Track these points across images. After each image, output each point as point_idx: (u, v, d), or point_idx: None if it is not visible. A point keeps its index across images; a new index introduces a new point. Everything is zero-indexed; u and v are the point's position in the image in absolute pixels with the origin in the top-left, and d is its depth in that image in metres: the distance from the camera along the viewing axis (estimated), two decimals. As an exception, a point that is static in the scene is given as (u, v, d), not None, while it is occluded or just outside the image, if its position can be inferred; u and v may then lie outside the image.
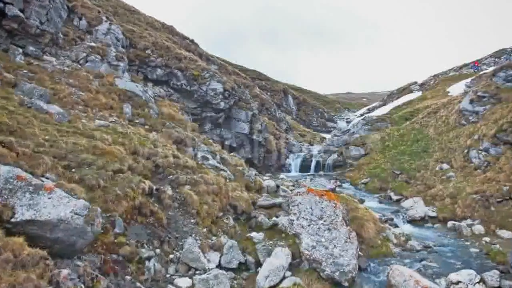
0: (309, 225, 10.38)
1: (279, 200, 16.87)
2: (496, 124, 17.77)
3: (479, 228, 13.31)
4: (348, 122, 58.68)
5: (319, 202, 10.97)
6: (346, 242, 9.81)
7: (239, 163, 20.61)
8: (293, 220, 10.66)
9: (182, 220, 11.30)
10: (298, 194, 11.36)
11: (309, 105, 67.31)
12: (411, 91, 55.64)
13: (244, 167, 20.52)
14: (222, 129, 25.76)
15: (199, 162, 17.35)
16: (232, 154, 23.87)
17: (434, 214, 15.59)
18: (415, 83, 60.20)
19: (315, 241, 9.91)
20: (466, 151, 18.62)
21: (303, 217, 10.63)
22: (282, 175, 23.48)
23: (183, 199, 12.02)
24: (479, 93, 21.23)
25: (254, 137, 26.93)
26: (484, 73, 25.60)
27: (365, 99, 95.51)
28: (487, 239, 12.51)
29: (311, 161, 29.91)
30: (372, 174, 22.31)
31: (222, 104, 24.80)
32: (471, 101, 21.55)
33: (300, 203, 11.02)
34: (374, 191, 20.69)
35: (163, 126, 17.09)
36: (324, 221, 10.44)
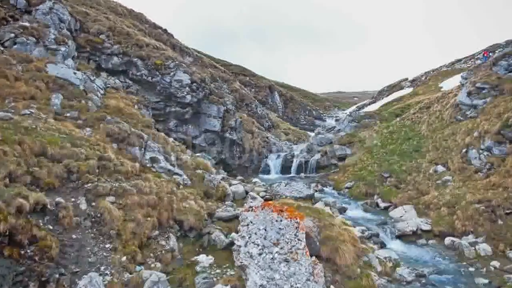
0: (260, 254, 7.50)
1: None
2: (500, 118, 15.14)
3: (485, 248, 10.60)
4: (337, 120, 56.12)
5: (276, 221, 8.10)
6: (308, 280, 6.96)
7: (202, 165, 17.66)
8: (240, 247, 7.76)
9: (92, 246, 8.33)
10: (250, 209, 8.47)
11: (297, 102, 64.56)
12: (402, 88, 53.26)
13: (207, 170, 17.56)
14: (190, 126, 22.77)
15: (147, 165, 14.37)
16: (198, 154, 20.90)
17: (428, 227, 12.86)
18: (406, 79, 57.86)
19: (265, 279, 7.03)
20: (464, 150, 15.95)
21: (253, 242, 7.74)
22: (255, 179, 20.61)
23: (99, 215, 9.06)
24: (478, 85, 18.59)
25: (227, 135, 23.99)
26: (483, 62, 23.14)
27: (356, 98, 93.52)
28: (497, 263, 9.80)
29: (293, 161, 27.08)
30: (358, 177, 19.56)
31: (189, 97, 21.80)
32: (469, 94, 18.92)
33: (251, 222, 8.13)
34: (359, 197, 17.93)
35: (101, 121, 14.04)
36: (281, 248, 7.57)
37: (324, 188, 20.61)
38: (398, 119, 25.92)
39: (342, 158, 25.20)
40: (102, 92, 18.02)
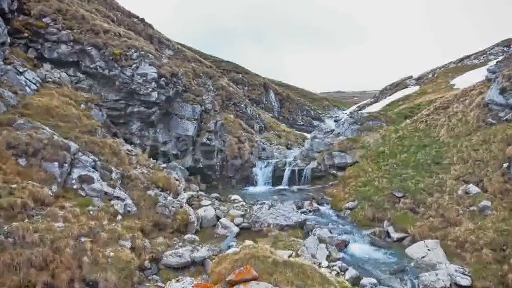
0: None
1: (201, 252, 10.06)
2: (556, 123, 11.18)
3: None
4: (336, 121, 52.30)
5: (216, 327, 4.17)
6: None
7: (162, 181, 13.67)
8: None
9: None
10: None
11: (294, 102, 60.60)
12: (406, 86, 49.33)
13: (168, 188, 13.57)
14: (158, 130, 18.79)
15: (73, 187, 10.41)
16: (163, 165, 16.95)
17: (467, 281, 8.92)
18: (410, 77, 53.97)
19: None
20: (506, 165, 12.02)
21: None
22: (234, 196, 16.66)
23: None
24: (514, 79, 14.66)
25: (204, 140, 20.04)
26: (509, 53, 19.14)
27: (356, 98, 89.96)
28: None
29: (284, 170, 23.11)
30: (362, 194, 15.60)
31: (155, 95, 17.82)
32: (503, 91, 14.97)
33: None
34: (364, 222, 13.99)
35: (8, 127, 10.11)
36: None
37: (320, 207, 16.66)
38: (408, 121, 21.96)
39: (342, 168, 21.30)
40: (35, 87, 14.09)
